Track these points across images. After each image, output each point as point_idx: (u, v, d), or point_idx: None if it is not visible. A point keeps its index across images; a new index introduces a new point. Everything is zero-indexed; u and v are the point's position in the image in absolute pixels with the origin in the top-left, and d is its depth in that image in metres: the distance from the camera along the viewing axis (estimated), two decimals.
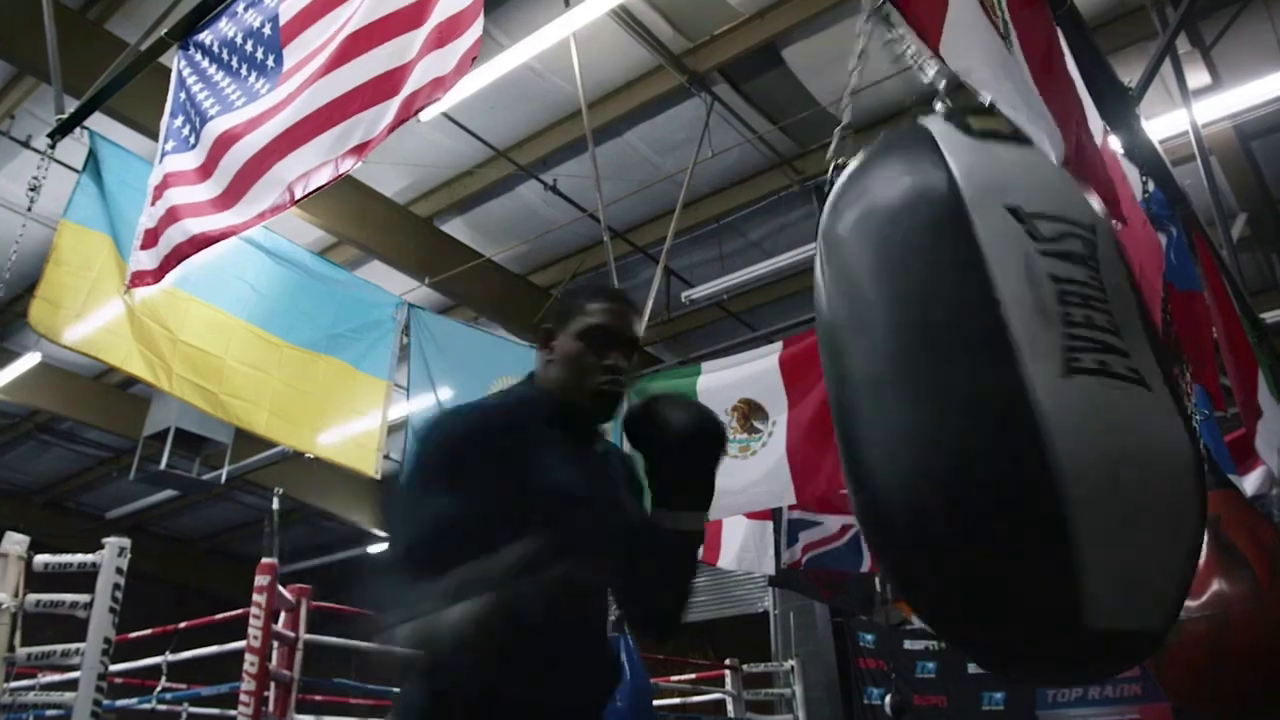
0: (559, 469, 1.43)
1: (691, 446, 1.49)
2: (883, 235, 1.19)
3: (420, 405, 4.53)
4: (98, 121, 3.60)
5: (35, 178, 3.23)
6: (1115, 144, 2.57)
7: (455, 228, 7.32)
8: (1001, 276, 1.07)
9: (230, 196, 2.60)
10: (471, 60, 2.08)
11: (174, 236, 2.73)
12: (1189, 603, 1.65)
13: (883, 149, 1.33)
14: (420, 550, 1.26)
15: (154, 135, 3.19)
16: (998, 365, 1.03)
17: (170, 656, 4.51)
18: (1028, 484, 1.00)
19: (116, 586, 3.19)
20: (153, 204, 2.88)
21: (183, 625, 4.57)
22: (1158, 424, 1.05)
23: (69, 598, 3.22)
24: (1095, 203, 1.23)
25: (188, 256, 2.71)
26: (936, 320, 1.09)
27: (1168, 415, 1.06)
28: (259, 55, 2.71)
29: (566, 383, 1.50)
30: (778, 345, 4.19)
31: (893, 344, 1.12)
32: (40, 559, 3.27)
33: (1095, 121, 2.37)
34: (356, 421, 4.24)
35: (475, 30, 2.10)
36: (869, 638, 7.59)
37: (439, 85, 2.13)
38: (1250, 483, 3.93)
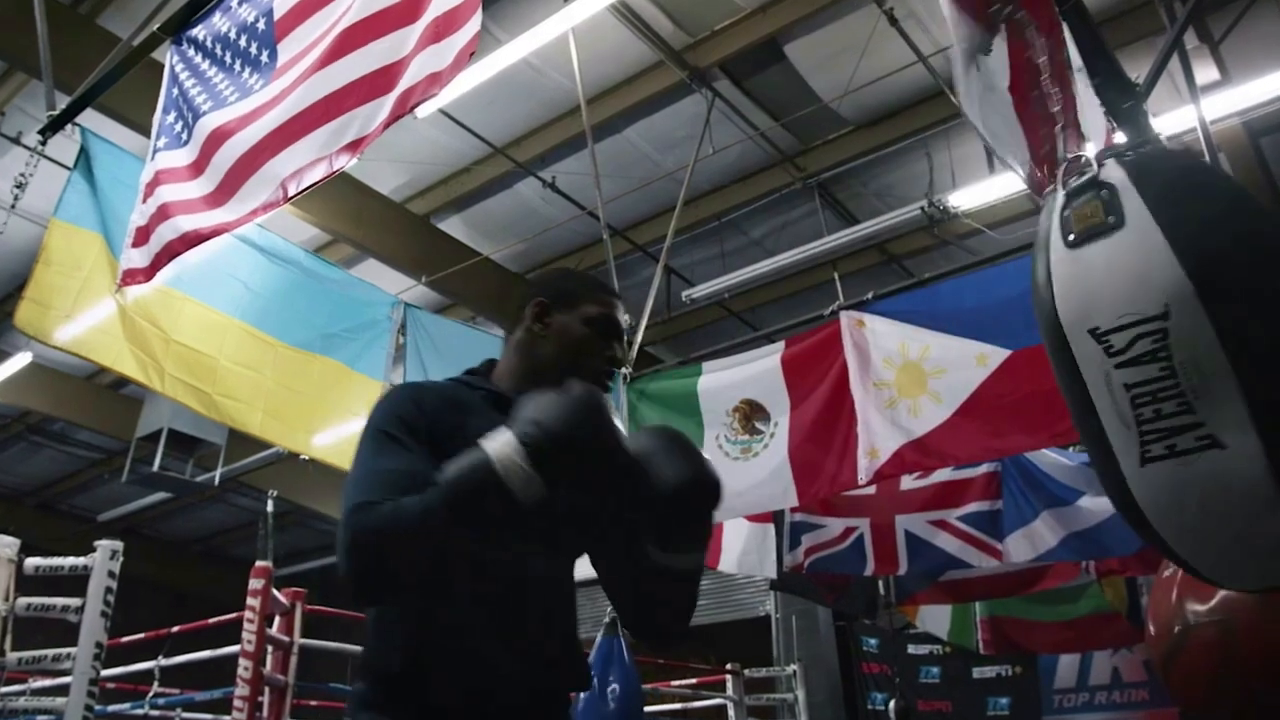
0: None
1: (682, 502, 1.39)
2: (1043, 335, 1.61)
3: None
4: (90, 118, 3.60)
5: (22, 174, 3.23)
6: (1122, 140, 2.56)
7: (452, 225, 7.32)
8: (1095, 392, 1.45)
9: (223, 193, 2.60)
10: (469, 56, 2.08)
11: (165, 234, 2.73)
12: (1197, 608, 1.66)
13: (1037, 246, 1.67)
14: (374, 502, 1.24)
15: (147, 132, 3.20)
16: (1105, 458, 1.45)
17: (163, 661, 4.49)
18: (1143, 531, 1.47)
19: (108, 590, 3.18)
20: (144, 201, 2.88)
21: (176, 629, 4.56)
22: (1228, 471, 1.33)
23: (60, 601, 3.21)
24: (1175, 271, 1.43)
25: (179, 254, 2.71)
26: (1074, 417, 1.56)
27: (1241, 459, 1.33)
28: (253, 50, 2.71)
29: (564, 362, 1.50)
30: (779, 345, 4.18)
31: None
32: (31, 562, 3.26)
33: (1100, 121, 2.36)
34: (352, 422, 4.23)
35: (473, 25, 2.10)
36: (872, 642, 7.61)
37: (435, 81, 2.13)
38: None
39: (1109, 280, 1.43)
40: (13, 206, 3.21)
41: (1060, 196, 1.53)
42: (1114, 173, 1.49)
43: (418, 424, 1.36)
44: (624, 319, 1.59)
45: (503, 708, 1.34)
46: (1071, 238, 1.47)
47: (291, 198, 2.40)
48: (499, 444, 1.20)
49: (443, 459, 1.24)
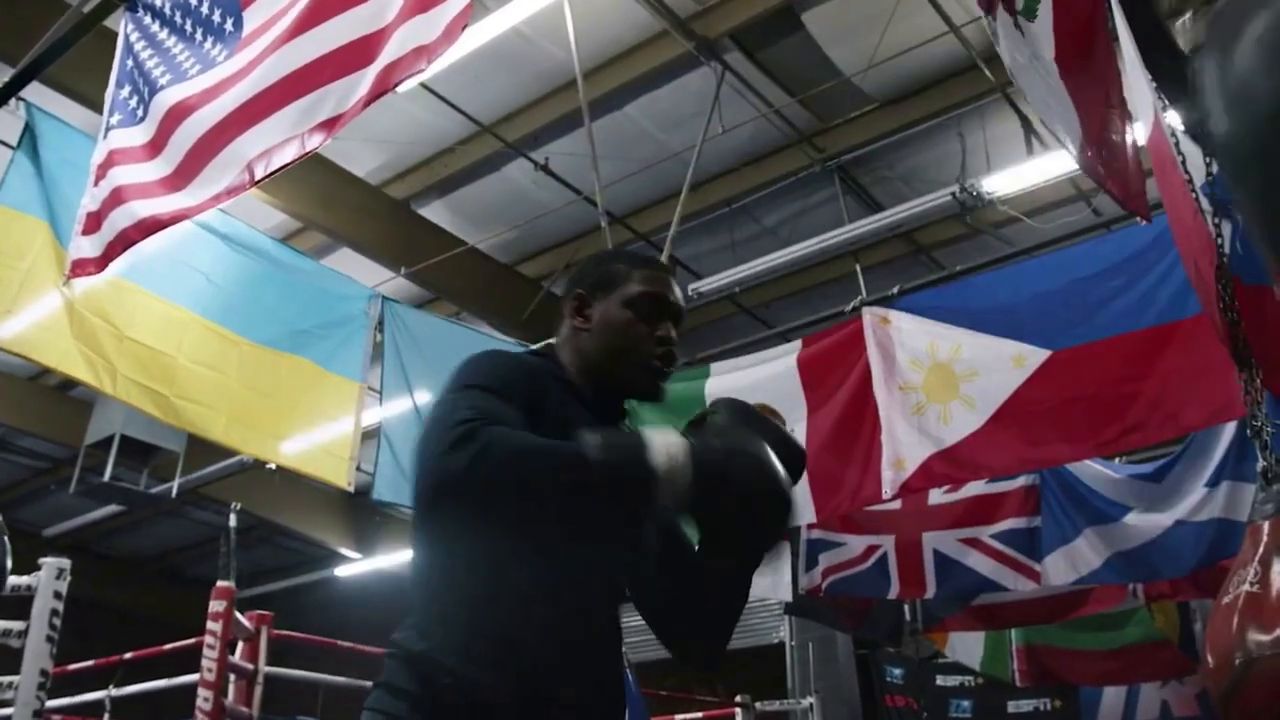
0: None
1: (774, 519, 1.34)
2: None
3: (395, 409, 4.52)
4: (35, 92, 3.60)
5: None
6: (1174, 120, 2.56)
7: (435, 211, 7.32)
8: None
9: (182, 176, 2.61)
10: (461, 28, 2.08)
11: (119, 220, 2.73)
12: (1261, 637, 1.64)
13: None
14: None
15: (99, 108, 3.19)
16: None
17: (115, 691, 4.50)
18: None
19: (55, 613, 3.18)
20: (96, 184, 2.88)
21: (129, 656, 4.56)
22: None
23: (1, 625, 3.21)
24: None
25: (135, 243, 2.71)
26: None
27: None
28: (215, 18, 2.71)
29: (611, 353, 1.52)
30: (796, 344, 4.18)
31: None
32: None
33: (1147, 96, 2.36)
34: (326, 427, 4.24)
35: None
36: (897, 672, 7.59)
37: (422, 55, 2.13)
38: None
39: None
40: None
41: None
42: None
43: (517, 387, 1.38)
44: (675, 295, 1.58)
45: None
46: None
47: (258, 181, 2.40)
48: (667, 440, 1.22)
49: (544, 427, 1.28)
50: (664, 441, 1.21)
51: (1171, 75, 2.42)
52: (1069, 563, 4.67)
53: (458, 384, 1.37)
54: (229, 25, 2.67)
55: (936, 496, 5.02)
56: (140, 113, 2.86)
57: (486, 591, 1.35)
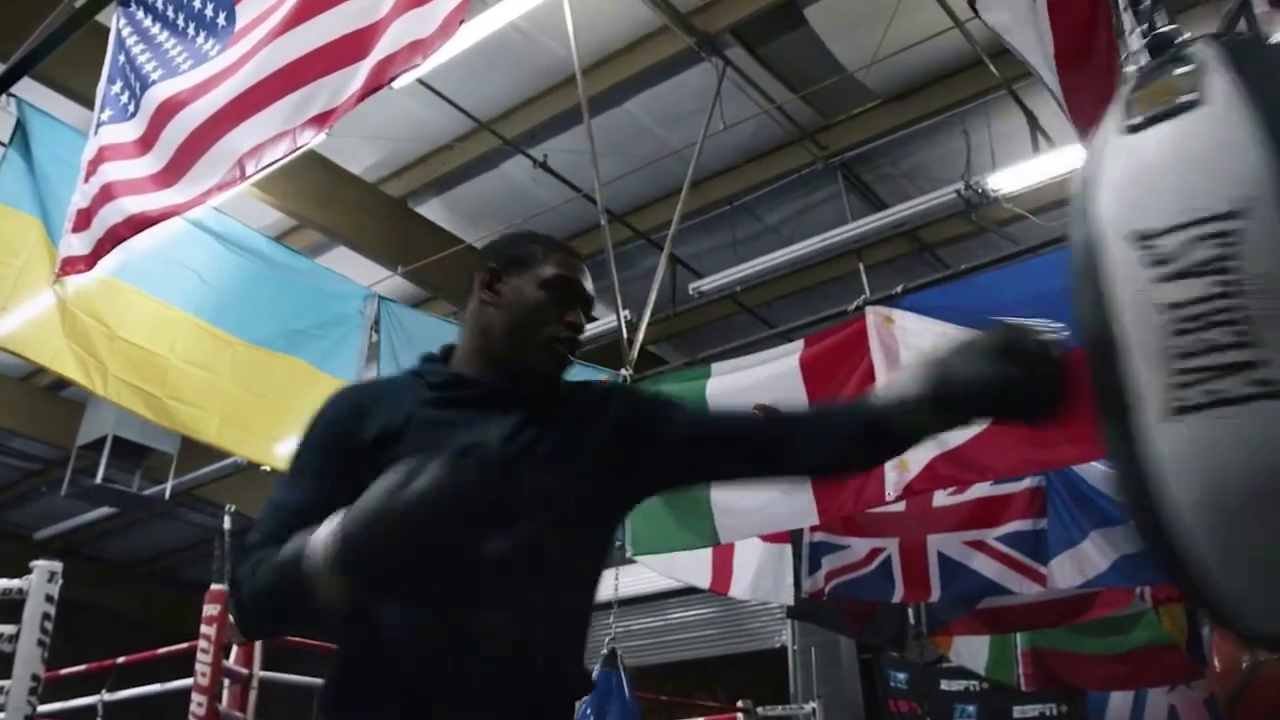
0: (445, 439, 1.40)
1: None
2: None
3: None
4: (27, 88, 3.60)
5: None
6: None
7: (432, 209, 7.32)
8: (1119, 317, 1.24)
9: (173, 172, 2.60)
10: (458, 22, 2.07)
11: (109, 217, 2.73)
12: None
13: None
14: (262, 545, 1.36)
15: (91, 104, 3.20)
16: (1116, 411, 1.23)
17: (107, 696, 4.49)
18: (1143, 519, 1.23)
19: (46, 617, 3.17)
20: (86, 181, 2.88)
21: (121, 660, 4.57)
22: None
23: None
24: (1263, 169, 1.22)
25: (124, 240, 2.71)
26: (1089, 357, 1.30)
27: None
28: (208, 12, 2.71)
29: (516, 331, 1.51)
30: (798, 344, 4.18)
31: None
32: None
33: None
34: None
35: None
36: (901, 676, 7.59)
37: (418, 49, 2.12)
38: None
39: (1171, 170, 1.23)
40: None
41: (1130, 79, 1.37)
42: (1204, 51, 1.33)
43: (338, 439, 1.44)
44: (588, 284, 1.58)
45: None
46: (1133, 122, 1.28)
47: (250, 177, 2.40)
48: (323, 536, 1.20)
49: (382, 465, 1.23)
50: (324, 530, 1.21)
51: None
52: (1075, 565, 4.67)
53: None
54: (221, 20, 2.67)
55: (941, 499, 5.02)
56: (131, 108, 2.86)
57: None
